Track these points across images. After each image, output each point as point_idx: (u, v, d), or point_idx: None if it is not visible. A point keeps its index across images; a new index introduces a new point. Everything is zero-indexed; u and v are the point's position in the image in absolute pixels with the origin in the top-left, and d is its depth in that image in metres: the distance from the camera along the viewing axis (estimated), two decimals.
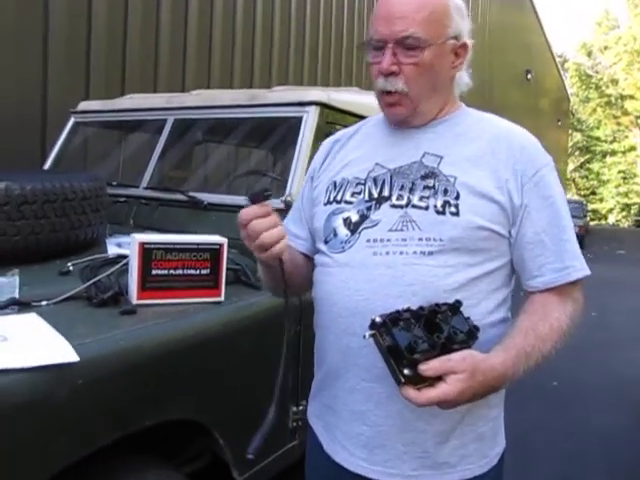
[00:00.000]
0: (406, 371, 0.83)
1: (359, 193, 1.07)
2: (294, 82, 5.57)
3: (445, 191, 0.99)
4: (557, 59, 28.67)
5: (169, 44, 4.27)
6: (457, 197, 0.98)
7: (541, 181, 1.02)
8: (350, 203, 1.07)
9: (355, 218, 1.05)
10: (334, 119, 2.23)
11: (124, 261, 1.61)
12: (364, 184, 1.07)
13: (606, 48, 37.25)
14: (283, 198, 1.92)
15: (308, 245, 1.20)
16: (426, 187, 1.01)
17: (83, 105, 2.83)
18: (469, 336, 0.88)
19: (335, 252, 1.06)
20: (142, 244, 1.46)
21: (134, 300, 1.46)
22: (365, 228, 1.03)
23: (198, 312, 1.50)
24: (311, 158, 2.09)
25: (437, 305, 0.89)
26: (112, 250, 1.84)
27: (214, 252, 1.54)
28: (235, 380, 1.60)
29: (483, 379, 0.87)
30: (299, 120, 2.11)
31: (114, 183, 2.47)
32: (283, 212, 2.01)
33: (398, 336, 0.83)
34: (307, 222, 1.20)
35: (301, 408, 1.94)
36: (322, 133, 2.13)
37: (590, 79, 37.60)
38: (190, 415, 1.47)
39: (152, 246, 1.48)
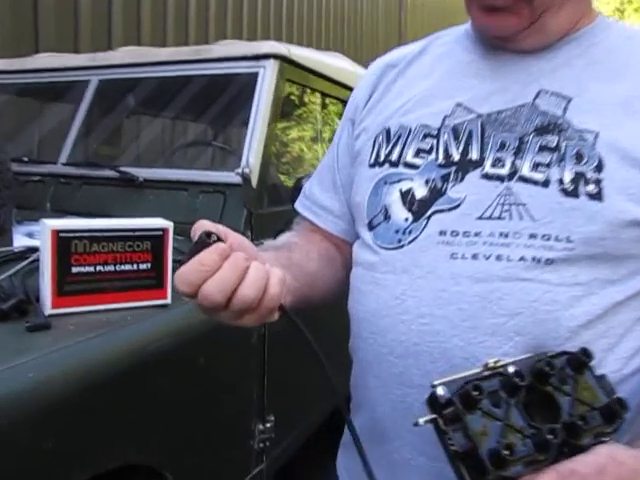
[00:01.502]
0: None
1: (429, 151, 0.68)
2: (233, 38, 5.03)
3: (578, 156, 0.61)
4: None
5: None
6: (599, 167, 0.60)
7: None
8: (413, 167, 0.69)
9: (421, 193, 0.67)
10: (296, 77, 1.88)
11: (33, 256, 1.21)
12: (437, 137, 0.68)
13: None
14: (239, 170, 1.56)
15: (344, 225, 0.81)
16: (544, 148, 0.62)
17: None
18: (608, 418, 0.50)
19: (386, 246, 0.68)
20: (56, 232, 1.07)
21: (48, 310, 1.07)
22: (438, 211, 0.65)
23: (138, 321, 1.12)
24: (271, 121, 1.76)
25: (548, 363, 0.51)
26: (19, 242, 1.42)
27: (156, 240, 1.16)
28: (190, 405, 1.24)
29: None
30: (254, 76, 1.74)
31: (25, 159, 2.04)
32: (238, 189, 1.68)
33: (477, 431, 0.48)
34: (344, 188, 0.81)
35: (268, 425, 1.60)
36: (282, 93, 1.78)
37: None
38: (133, 460, 1.09)
39: (70, 235, 1.08)
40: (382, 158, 0.72)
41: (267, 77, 1.73)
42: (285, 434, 1.70)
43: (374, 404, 0.69)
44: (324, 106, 2.26)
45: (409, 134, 0.71)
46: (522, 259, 0.59)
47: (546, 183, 0.61)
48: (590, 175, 0.60)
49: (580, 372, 0.52)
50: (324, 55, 2.26)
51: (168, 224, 1.18)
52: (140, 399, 1.09)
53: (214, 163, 2.11)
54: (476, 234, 0.62)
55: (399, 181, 0.69)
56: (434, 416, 0.50)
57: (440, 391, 0.50)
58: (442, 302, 0.62)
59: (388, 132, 0.73)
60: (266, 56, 1.75)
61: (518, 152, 0.63)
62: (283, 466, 1.73)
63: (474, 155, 0.66)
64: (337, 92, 2.18)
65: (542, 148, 0.62)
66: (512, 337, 0.58)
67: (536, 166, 0.62)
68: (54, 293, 1.07)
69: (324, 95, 2.15)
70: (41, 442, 0.89)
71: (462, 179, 0.65)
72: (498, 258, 0.60)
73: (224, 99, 1.92)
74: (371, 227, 0.71)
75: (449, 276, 0.62)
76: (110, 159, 2.09)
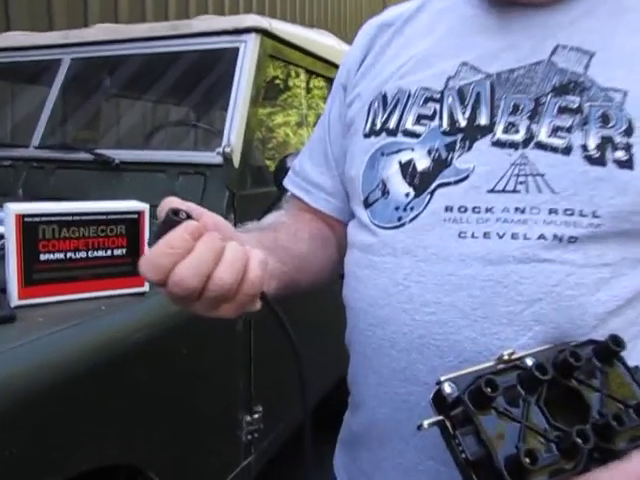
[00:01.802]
0: None
1: (431, 117, 0.60)
2: (214, 14, 4.87)
3: (604, 118, 0.53)
4: None
5: None
6: (628, 131, 0.52)
7: None
8: (414, 135, 0.60)
9: (424, 164, 0.58)
10: (278, 53, 1.79)
11: None
12: (440, 101, 0.60)
13: None
14: (220, 149, 1.47)
15: (338, 203, 0.74)
16: (565, 110, 0.54)
17: None
18: None
19: (385, 226, 0.60)
20: (21, 217, 0.98)
21: (14, 301, 0.99)
22: (443, 184, 0.57)
23: (114, 311, 1.04)
24: (253, 98, 1.68)
25: (573, 353, 0.43)
26: None
27: (131, 224, 1.09)
28: (172, 398, 1.17)
29: None
30: (235, 52, 1.65)
31: None
32: (219, 169, 1.59)
33: (491, 435, 0.41)
34: (337, 162, 0.73)
35: (256, 417, 1.54)
36: (264, 69, 1.69)
37: None
38: (112, 459, 1.03)
39: (37, 219, 1.00)
40: (378, 126, 0.64)
41: (248, 52, 1.64)
42: (273, 425, 1.64)
43: (374, 403, 0.62)
44: (309, 90, 2.18)
45: (408, 98, 0.62)
46: (541, 237, 0.52)
47: (567, 150, 0.52)
48: (619, 140, 0.51)
49: (610, 364, 0.45)
50: (308, 31, 2.17)
51: (144, 206, 1.10)
52: (117, 394, 1.01)
53: (194, 144, 2.02)
54: (487, 210, 0.54)
55: (398, 151, 0.60)
56: (440, 418, 0.43)
57: (447, 388, 0.43)
58: (450, 288, 0.54)
59: (385, 97, 0.65)
60: (247, 30, 1.66)
61: (534, 115, 0.55)
62: (272, 458, 1.67)
63: (483, 120, 0.57)
64: (322, 70, 2.10)
65: (562, 110, 0.54)
66: (531, 327, 0.51)
67: (555, 130, 0.53)
68: (20, 283, 0.99)
69: (308, 72, 2.06)
70: (6, 445, 0.81)
71: (470, 147, 0.57)
72: (513, 237, 0.52)
73: (204, 77, 1.83)
74: (367, 204, 0.63)
75: (457, 258, 0.54)
76: (85, 142, 2.00)
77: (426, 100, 0.61)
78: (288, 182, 0.80)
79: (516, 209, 0.53)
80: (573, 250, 0.51)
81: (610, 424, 0.40)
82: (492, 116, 0.57)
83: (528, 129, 0.55)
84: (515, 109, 0.56)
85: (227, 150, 1.46)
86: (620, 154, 0.51)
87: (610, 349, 0.45)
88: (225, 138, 1.53)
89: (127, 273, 1.09)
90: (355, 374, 0.67)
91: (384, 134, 0.63)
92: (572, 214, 0.51)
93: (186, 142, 2.10)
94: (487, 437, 0.40)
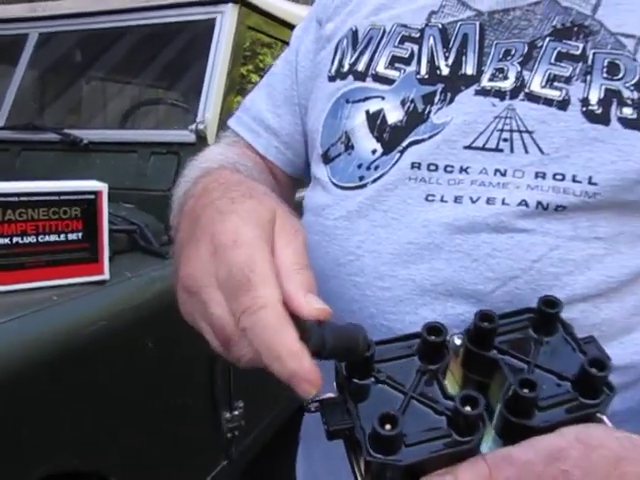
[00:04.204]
0: None
1: (407, 61, 0.49)
2: None
3: (611, 68, 0.43)
4: None
5: None
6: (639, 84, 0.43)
7: None
8: (386, 81, 0.50)
9: (395, 116, 0.48)
10: (257, 25, 1.68)
11: None
12: (419, 41, 0.50)
13: None
14: (193, 127, 1.36)
15: (291, 155, 0.62)
16: (565, 56, 0.44)
17: None
18: (586, 390, 0.32)
19: (343, 185, 0.50)
20: None
21: None
22: (416, 142, 0.46)
23: (66, 302, 0.94)
24: (230, 73, 1.56)
25: (485, 315, 0.35)
26: None
27: (87, 205, 0.98)
28: (139, 399, 1.07)
29: None
30: (211, 23, 1.54)
31: None
32: (193, 148, 1.49)
33: (365, 404, 0.34)
34: (301, 108, 0.61)
35: (237, 413, 1.44)
36: (242, 41, 1.59)
37: None
38: (70, 466, 0.93)
39: None
40: (345, 68, 0.53)
41: (226, 23, 1.53)
42: (257, 422, 1.55)
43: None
44: None
45: (382, 37, 0.52)
46: (522, 204, 0.42)
47: (564, 103, 0.43)
48: (627, 94, 0.42)
49: (549, 332, 0.36)
50: (290, 4, 2.06)
51: (102, 186, 0.99)
52: (71, 395, 0.91)
53: (168, 122, 1.92)
54: (462, 169, 0.44)
55: (366, 99, 0.50)
56: (327, 397, 0.35)
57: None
58: (408, 259, 0.45)
59: (355, 34, 0.54)
60: (225, 0, 1.55)
61: (527, 60, 0.45)
62: (257, 457, 1.57)
63: (469, 69, 0.46)
64: None
65: (561, 56, 0.44)
66: (502, 309, 0.40)
67: (552, 80, 0.44)
68: None
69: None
70: None
71: (452, 101, 0.46)
72: (489, 201, 0.43)
73: (178, 51, 1.71)
74: (327, 159, 0.52)
75: (420, 224, 0.45)
76: (53, 122, 1.88)
77: (403, 39, 0.50)
78: (233, 120, 0.66)
79: (496, 171, 0.43)
80: (561, 220, 0.42)
81: (517, 393, 0.30)
82: (480, 64, 0.46)
83: (519, 76, 0.45)
84: (507, 55, 0.46)
85: (200, 127, 1.36)
86: (627, 111, 0.41)
87: (544, 313, 0.36)
88: (200, 115, 1.42)
89: (84, 260, 0.99)
90: None
91: (351, 77, 0.52)
92: (563, 179, 0.42)
93: (161, 121, 1.99)
94: (353, 406, 0.34)
